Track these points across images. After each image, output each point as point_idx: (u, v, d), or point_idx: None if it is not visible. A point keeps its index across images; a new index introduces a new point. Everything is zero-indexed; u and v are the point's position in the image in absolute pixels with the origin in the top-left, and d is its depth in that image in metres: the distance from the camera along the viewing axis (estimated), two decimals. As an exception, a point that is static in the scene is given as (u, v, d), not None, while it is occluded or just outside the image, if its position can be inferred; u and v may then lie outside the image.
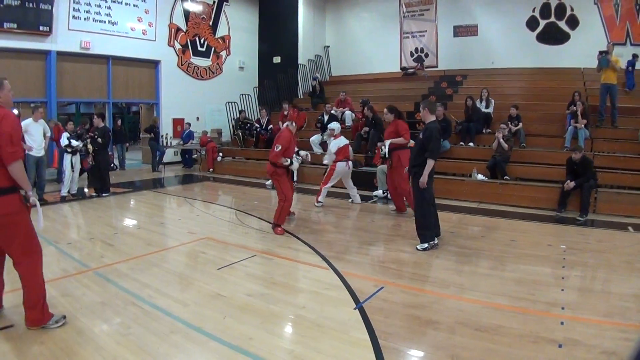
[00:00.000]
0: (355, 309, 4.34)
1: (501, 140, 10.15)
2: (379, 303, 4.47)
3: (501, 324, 3.95)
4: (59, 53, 13.71)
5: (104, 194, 10.57)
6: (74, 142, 10.03)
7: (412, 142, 7.71)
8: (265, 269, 5.57)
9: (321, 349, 3.60)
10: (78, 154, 10.30)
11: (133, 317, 4.20)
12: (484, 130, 12.07)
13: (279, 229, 7.17)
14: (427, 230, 6.27)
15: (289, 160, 7.24)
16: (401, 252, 6.14)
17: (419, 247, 6.22)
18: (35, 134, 9.33)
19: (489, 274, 5.31)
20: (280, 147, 7.09)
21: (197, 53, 18.03)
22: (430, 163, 6.07)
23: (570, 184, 8.39)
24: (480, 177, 10.08)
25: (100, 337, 3.84)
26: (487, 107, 12.35)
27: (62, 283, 5.05)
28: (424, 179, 6.06)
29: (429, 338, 3.76)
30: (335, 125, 9.87)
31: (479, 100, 12.38)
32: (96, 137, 10.34)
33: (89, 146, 10.26)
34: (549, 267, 5.57)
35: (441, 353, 3.51)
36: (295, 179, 8.46)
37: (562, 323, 3.98)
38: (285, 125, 7.66)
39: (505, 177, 9.94)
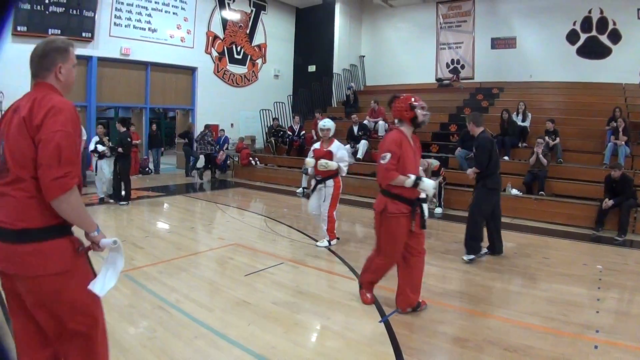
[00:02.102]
0: (380, 322, 4.28)
1: (540, 155, 9.94)
2: (405, 317, 4.39)
3: (531, 344, 3.82)
4: (100, 59, 14.02)
5: (121, 203, 10.00)
6: (100, 147, 10.14)
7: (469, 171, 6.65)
8: (292, 278, 5.55)
9: (344, 361, 3.54)
10: (105, 159, 10.23)
11: (159, 321, 4.23)
12: (519, 144, 11.84)
13: (366, 295, 4.78)
14: (477, 241, 6.29)
15: (412, 178, 4.16)
16: (430, 266, 5.98)
17: (465, 257, 6.19)
18: None
19: (521, 292, 5.18)
20: (388, 157, 4.18)
21: (233, 60, 18.21)
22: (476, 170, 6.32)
23: (609, 203, 8.12)
24: (514, 191, 9.88)
25: (126, 339, 3.88)
26: (523, 120, 12.10)
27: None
28: (470, 172, 6.42)
29: (455, 356, 3.68)
30: (330, 124, 6.95)
31: (515, 113, 12.16)
32: (111, 144, 10.18)
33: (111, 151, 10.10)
34: (584, 287, 5.38)
35: (467, 372, 3.43)
36: (425, 216, 4.44)
37: (595, 347, 3.83)
38: (393, 125, 4.91)
39: (541, 192, 9.73)
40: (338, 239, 7.00)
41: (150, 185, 13.15)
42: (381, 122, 14.09)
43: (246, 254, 6.48)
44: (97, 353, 2.47)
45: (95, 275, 2.43)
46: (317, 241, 7.03)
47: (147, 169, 15.77)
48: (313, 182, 7.03)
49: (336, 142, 6.97)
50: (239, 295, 4.93)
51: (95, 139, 10.25)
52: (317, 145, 7.07)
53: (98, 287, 2.39)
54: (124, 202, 10.03)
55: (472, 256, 6.18)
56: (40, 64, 2.35)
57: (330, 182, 6.75)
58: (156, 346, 3.75)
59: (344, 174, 6.91)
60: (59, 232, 2.26)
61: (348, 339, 3.94)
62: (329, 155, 6.73)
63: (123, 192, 10.09)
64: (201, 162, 15.51)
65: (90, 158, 11.17)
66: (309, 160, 6.98)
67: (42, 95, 2.26)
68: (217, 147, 15.60)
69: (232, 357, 3.61)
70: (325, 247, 6.79)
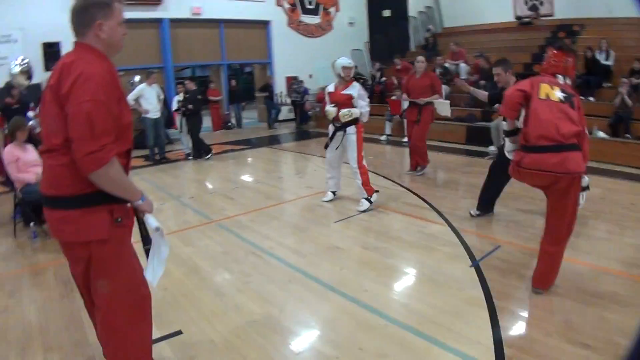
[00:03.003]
0: (471, 266, 4.19)
1: (625, 96, 9.24)
2: (496, 262, 4.28)
3: (617, 291, 3.62)
4: (172, 20, 14.24)
5: (207, 157, 10.26)
6: (175, 106, 10.42)
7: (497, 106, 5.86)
8: (381, 224, 5.53)
9: (435, 304, 3.53)
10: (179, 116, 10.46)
11: (253, 266, 4.37)
12: (603, 84, 11.01)
13: None
14: (492, 199, 5.58)
15: None
16: (518, 212, 5.78)
17: (472, 212, 5.57)
18: (150, 98, 9.87)
19: (608, 239, 4.89)
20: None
21: (306, 11, 17.94)
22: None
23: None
24: (601, 134, 9.27)
25: (222, 284, 4.05)
26: (606, 59, 11.22)
27: (186, 234, 5.36)
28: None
29: (544, 301, 3.54)
30: (346, 61, 6.10)
31: (598, 51, 11.29)
32: (186, 102, 10.19)
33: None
34: None
35: (555, 317, 3.31)
36: None
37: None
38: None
39: (627, 135, 9.07)
40: (377, 191, 6.19)
41: (235, 139, 13.44)
42: (462, 65, 13.54)
43: (335, 201, 6.48)
44: (117, 333, 2.35)
45: (134, 251, 2.37)
46: (374, 193, 6.11)
47: (229, 123, 16.09)
48: (331, 129, 6.26)
49: (355, 84, 6.10)
50: (330, 240, 5.00)
51: (177, 97, 10.50)
52: (331, 88, 6.21)
53: (149, 275, 2.40)
54: (208, 156, 10.30)
55: (479, 212, 5.57)
56: (78, 20, 2.17)
57: (351, 129, 6.02)
58: (252, 290, 3.87)
59: (364, 120, 6.10)
60: (92, 201, 2.12)
61: (439, 282, 3.90)
62: (349, 100, 5.96)
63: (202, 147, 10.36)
64: (283, 114, 15.61)
65: (172, 116, 11.52)
66: (331, 110, 6.04)
67: (72, 59, 2.10)
68: (303, 95, 15.66)
69: (325, 300, 3.68)
70: (365, 210, 5.94)
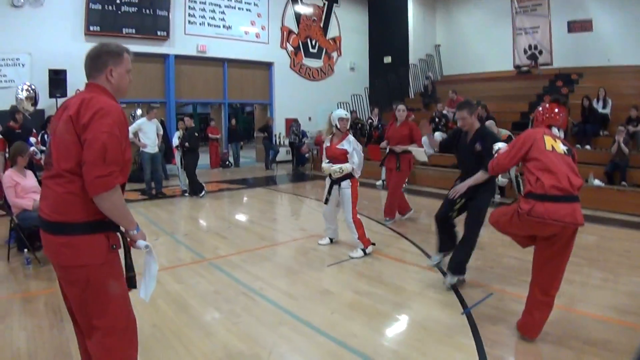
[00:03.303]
0: (462, 313, 4.19)
1: (622, 144, 9.40)
2: (488, 309, 4.29)
3: (610, 338, 3.64)
4: (177, 56, 14.61)
5: (200, 195, 10.20)
6: (175, 142, 10.51)
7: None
8: (374, 269, 5.53)
9: (426, 351, 3.51)
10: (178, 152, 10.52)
11: (244, 307, 4.35)
12: (601, 133, 11.23)
13: None
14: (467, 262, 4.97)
15: None
16: (511, 259, 5.80)
17: (449, 280, 4.81)
18: (149, 132, 9.97)
19: (601, 286, 4.93)
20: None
21: (308, 54, 18.38)
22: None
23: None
24: (597, 182, 9.39)
25: (211, 323, 4.03)
26: (604, 107, 11.47)
27: (177, 271, 5.36)
28: (462, 188, 4.77)
29: (536, 349, 3.54)
30: (343, 113, 6.26)
31: (595, 100, 11.54)
32: (184, 140, 10.26)
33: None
34: None
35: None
36: None
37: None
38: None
39: (623, 183, 9.21)
40: (374, 244, 6.12)
41: (231, 178, 13.52)
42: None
43: (328, 245, 6.49)
44: (113, 353, 2.46)
45: (123, 274, 2.50)
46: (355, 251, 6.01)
47: (227, 162, 16.22)
48: (327, 182, 6.24)
49: (350, 138, 6.04)
50: (322, 284, 4.99)
51: (178, 133, 10.58)
52: (327, 143, 6.21)
53: (142, 292, 2.56)
54: (201, 194, 10.21)
55: (462, 276, 4.94)
56: (92, 64, 2.47)
57: (345, 183, 5.98)
58: (241, 331, 3.85)
59: (357, 175, 6.04)
60: (94, 228, 2.32)
61: (429, 329, 3.89)
62: (344, 155, 5.91)
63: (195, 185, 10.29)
64: (281, 155, 15.72)
65: (172, 151, 11.60)
66: (325, 166, 6.05)
67: (91, 96, 2.34)
68: (301, 138, 15.86)
69: (315, 343, 3.65)
70: (360, 257, 5.90)
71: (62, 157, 2.28)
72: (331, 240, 6.51)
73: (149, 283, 2.57)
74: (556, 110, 3.79)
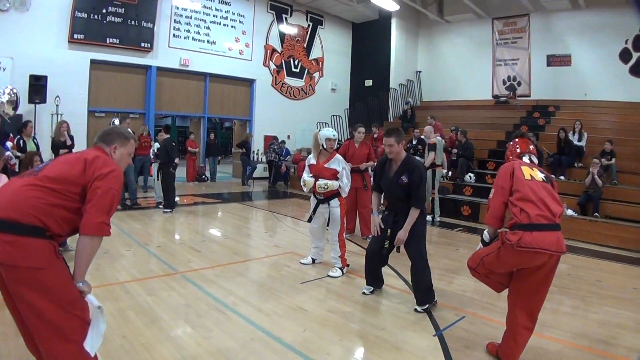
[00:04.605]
0: (434, 335, 4.20)
1: (596, 176, 9.62)
2: (460, 332, 4.31)
3: None
4: (159, 68, 14.59)
5: (165, 210, 9.86)
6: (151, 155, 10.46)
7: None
8: (348, 288, 5.52)
9: (399, 372, 3.50)
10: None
11: (215, 321, 4.29)
12: (575, 164, 11.55)
13: None
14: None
15: None
16: (480, 284, 5.85)
17: (419, 308, 4.79)
18: None
19: (572, 314, 5.01)
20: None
21: (291, 74, 18.52)
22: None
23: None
24: (570, 212, 9.59)
25: (182, 337, 3.95)
26: (579, 140, 11.81)
27: (150, 283, 5.26)
28: (404, 235, 4.75)
29: (508, 374, 3.57)
30: (330, 133, 6.00)
31: (571, 132, 11.89)
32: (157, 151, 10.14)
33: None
34: (633, 311, 5.15)
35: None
36: None
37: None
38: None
39: (595, 214, 9.42)
40: (348, 265, 6.14)
41: (207, 192, 13.45)
42: (438, 138, 13.89)
43: (309, 264, 6.45)
44: (61, 345, 2.50)
45: (70, 274, 2.56)
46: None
47: (203, 176, 16.12)
48: (313, 202, 6.15)
49: (338, 157, 6.00)
50: (295, 301, 4.94)
51: (155, 145, 10.49)
52: (312, 160, 6.07)
53: (88, 346, 2.55)
54: (168, 210, 9.87)
55: (433, 301, 4.90)
56: (104, 137, 2.91)
57: (334, 202, 5.96)
58: (212, 346, 3.79)
59: (344, 195, 6.01)
60: (42, 234, 2.42)
61: (402, 350, 3.88)
62: (334, 176, 5.85)
63: (166, 200, 10.03)
64: (258, 172, 15.69)
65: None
66: (309, 180, 5.92)
67: (107, 157, 2.79)
68: (281, 157, 15.90)
69: (287, 361, 3.62)
70: (339, 276, 5.88)
71: (59, 178, 2.54)
72: (314, 260, 6.45)
73: (95, 339, 2.60)
74: (521, 143, 3.87)
